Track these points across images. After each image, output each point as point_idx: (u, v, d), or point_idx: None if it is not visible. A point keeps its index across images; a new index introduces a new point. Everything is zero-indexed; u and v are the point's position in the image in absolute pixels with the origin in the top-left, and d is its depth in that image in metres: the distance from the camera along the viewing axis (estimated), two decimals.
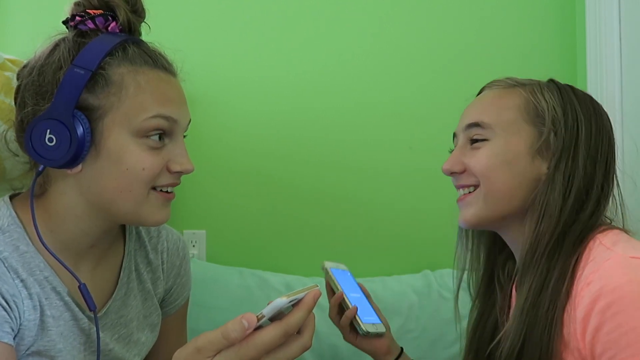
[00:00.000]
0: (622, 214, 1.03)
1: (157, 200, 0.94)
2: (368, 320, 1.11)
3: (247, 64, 1.66)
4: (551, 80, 1.06)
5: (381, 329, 1.12)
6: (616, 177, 1.03)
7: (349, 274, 1.20)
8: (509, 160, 0.99)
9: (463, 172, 1.04)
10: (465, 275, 1.16)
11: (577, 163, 0.97)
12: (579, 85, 1.03)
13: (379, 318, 1.15)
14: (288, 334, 0.76)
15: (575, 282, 0.91)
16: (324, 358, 1.50)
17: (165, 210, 0.96)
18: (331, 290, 1.16)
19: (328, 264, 1.16)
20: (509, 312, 1.07)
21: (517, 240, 1.03)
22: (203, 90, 1.60)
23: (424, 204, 1.65)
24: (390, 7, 1.66)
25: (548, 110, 1.00)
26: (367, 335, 1.10)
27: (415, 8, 1.66)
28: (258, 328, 0.75)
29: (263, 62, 1.66)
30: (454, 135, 1.09)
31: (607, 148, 1.01)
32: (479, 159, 1.01)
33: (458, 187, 1.06)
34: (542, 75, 1.08)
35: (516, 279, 1.02)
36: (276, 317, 0.76)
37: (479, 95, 1.10)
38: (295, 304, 0.78)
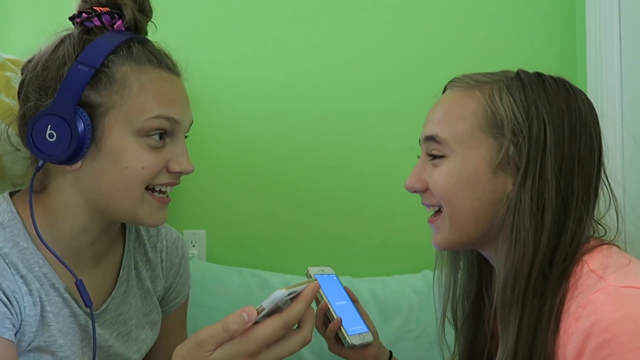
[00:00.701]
0: (617, 220, 0.91)
1: (152, 204, 0.94)
2: (354, 331, 1.06)
3: (248, 65, 1.67)
4: (517, 74, 0.91)
5: (368, 338, 1.06)
6: (607, 181, 0.91)
7: (334, 277, 1.13)
8: (468, 180, 0.88)
9: (425, 190, 0.94)
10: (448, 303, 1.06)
11: (546, 177, 0.84)
12: (579, 85, 0.93)
13: (366, 325, 1.08)
14: (288, 326, 0.76)
15: (563, 316, 0.80)
16: (324, 358, 1.49)
17: (161, 213, 0.96)
18: (317, 300, 1.07)
19: (312, 270, 1.09)
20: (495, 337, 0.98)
21: (496, 261, 0.93)
22: (203, 90, 1.60)
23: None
24: (390, 7, 1.66)
25: (507, 118, 0.86)
26: (353, 347, 1.03)
27: (415, 8, 1.66)
28: (258, 322, 0.75)
29: (263, 63, 1.67)
30: (419, 141, 0.98)
31: (586, 152, 0.86)
32: (437, 180, 0.91)
33: (423, 204, 0.97)
34: None
35: (498, 312, 0.89)
36: (275, 312, 0.76)
37: (441, 97, 0.98)
38: (294, 297, 0.78)
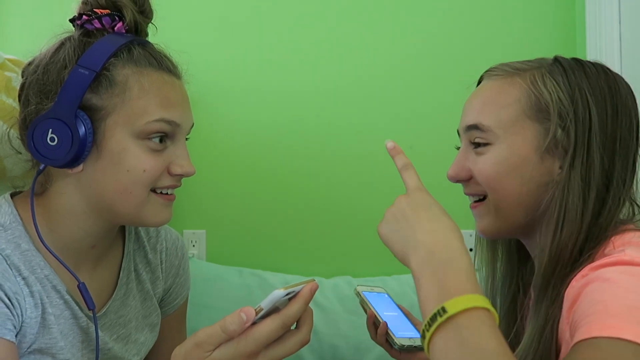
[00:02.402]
0: None
1: (158, 202, 0.94)
2: (403, 335, 1.06)
3: (248, 66, 1.67)
4: (556, 60, 0.92)
5: (419, 342, 1.03)
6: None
7: (386, 295, 1.15)
8: (515, 166, 0.89)
9: (469, 179, 0.94)
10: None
11: (592, 157, 0.85)
12: None
13: (417, 331, 1.08)
14: (286, 325, 0.76)
15: (574, 276, 0.81)
16: (324, 358, 1.50)
17: (167, 211, 0.96)
18: (364, 309, 1.10)
19: (360, 288, 1.12)
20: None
21: (538, 244, 0.92)
22: (204, 91, 1.60)
23: None
24: (390, 10, 1.66)
25: (552, 102, 0.88)
26: (402, 348, 1.02)
27: (415, 10, 1.66)
28: (256, 323, 0.75)
29: (263, 64, 1.67)
30: (458, 132, 0.99)
31: (626, 132, 0.88)
32: (483, 168, 0.91)
33: (466, 194, 0.97)
34: None
35: (534, 293, 0.90)
36: (273, 312, 0.76)
37: (478, 87, 0.99)
38: (292, 297, 0.78)
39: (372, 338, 1.07)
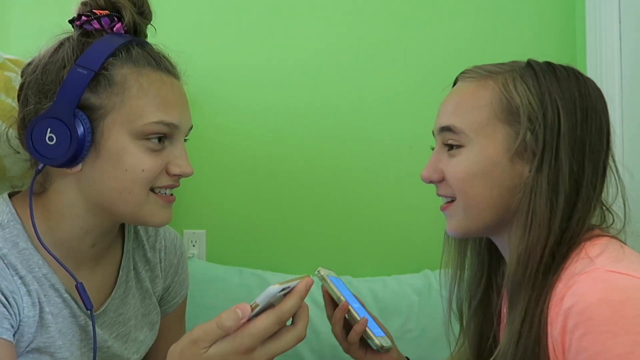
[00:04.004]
0: (625, 207, 0.94)
1: (157, 202, 0.94)
2: (378, 333, 1.02)
3: (247, 65, 1.67)
4: (528, 63, 0.93)
5: (389, 342, 1.03)
6: (614, 166, 0.93)
7: (341, 282, 1.07)
8: (486, 169, 0.90)
9: (441, 180, 0.96)
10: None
11: (560, 161, 0.86)
12: None
13: (382, 330, 1.07)
14: (281, 321, 0.76)
15: (552, 294, 0.83)
16: (324, 358, 1.49)
17: (167, 211, 0.96)
18: (331, 301, 1.05)
19: (325, 271, 1.05)
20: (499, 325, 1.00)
21: (508, 245, 0.94)
22: (203, 90, 1.61)
23: (424, 204, 1.65)
24: (390, 2, 1.66)
25: (522, 105, 0.89)
26: (381, 350, 1.00)
27: (415, 4, 1.66)
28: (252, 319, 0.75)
29: (262, 64, 1.67)
30: (433, 133, 1.00)
31: (596, 137, 0.89)
32: (455, 170, 0.92)
33: (439, 195, 0.98)
34: None
35: (506, 295, 0.91)
36: (268, 308, 0.77)
37: (452, 89, 1.00)
38: (287, 293, 0.78)
39: (335, 332, 1.04)
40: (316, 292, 1.52)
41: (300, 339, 0.79)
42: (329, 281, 1.03)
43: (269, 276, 1.58)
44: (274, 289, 0.74)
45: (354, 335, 1.02)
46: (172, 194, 0.97)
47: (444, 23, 1.65)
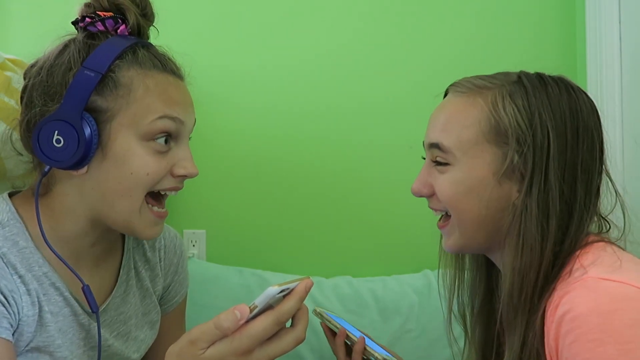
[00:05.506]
0: (624, 217, 0.93)
1: (149, 218, 0.94)
2: (381, 350, 1.04)
3: (247, 66, 1.67)
4: (519, 79, 0.91)
5: (392, 357, 1.05)
6: (610, 179, 0.92)
7: (341, 319, 1.13)
8: (473, 188, 0.89)
9: (432, 195, 0.95)
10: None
11: (550, 185, 0.84)
12: (579, 84, 0.94)
13: (392, 355, 1.08)
14: (280, 322, 0.76)
15: (547, 304, 0.82)
16: (324, 358, 1.50)
17: (157, 227, 0.97)
18: (331, 334, 1.09)
19: (320, 309, 1.10)
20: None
21: (502, 266, 0.94)
22: (203, 90, 1.60)
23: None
24: (390, 4, 1.66)
25: (511, 126, 0.87)
26: None
27: (416, 7, 1.66)
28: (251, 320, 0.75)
29: (262, 64, 1.67)
30: (423, 144, 0.99)
31: (588, 155, 0.87)
32: (443, 187, 0.92)
33: (430, 208, 0.98)
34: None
35: (504, 316, 0.90)
36: (267, 310, 0.76)
37: (442, 102, 0.99)
38: (286, 294, 0.78)
39: (336, 354, 1.07)
40: (316, 292, 1.53)
41: (300, 340, 0.78)
42: (325, 315, 1.08)
43: (269, 276, 1.58)
44: (273, 290, 0.74)
45: (355, 356, 1.04)
46: (165, 210, 0.97)
47: (444, 25, 1.65)
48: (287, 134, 1.66)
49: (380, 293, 1.54)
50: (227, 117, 1.66)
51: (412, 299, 1.54)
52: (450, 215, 0.94)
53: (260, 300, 0.75)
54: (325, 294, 1.53)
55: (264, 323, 0.75)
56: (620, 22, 1.45)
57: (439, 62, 1.64)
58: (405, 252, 1.65)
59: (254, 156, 1.66)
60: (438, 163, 0.93)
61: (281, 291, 0.76)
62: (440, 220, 0.98)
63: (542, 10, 1.63)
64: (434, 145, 0.93)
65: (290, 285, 0.77)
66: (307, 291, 0.78)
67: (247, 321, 0.75)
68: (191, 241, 1.66)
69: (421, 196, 0.97)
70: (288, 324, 0.80)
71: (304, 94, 1.66)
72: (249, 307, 0.74)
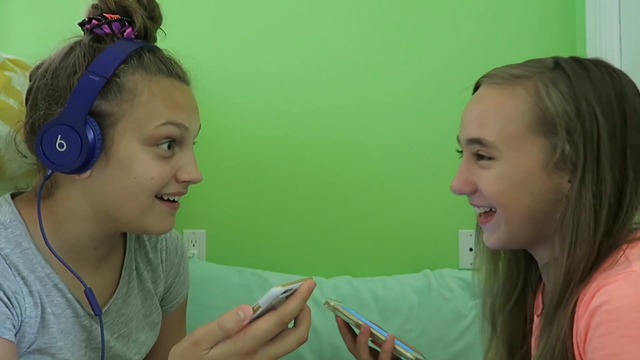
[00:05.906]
0: None
1: (162, 209, 0.94)
2: (411, 350, 0.97)
3: (248, 67, 1.67)
4: (557, 64, 0.87)
5: (422, 356, 1.00)
6: None
7: (362, 317, 1.03)
8: (521, 182, 0.85)
9: (474, 192, 0.91)
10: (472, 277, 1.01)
11: (603, 171, 0.81)
12: None
13: (411, 348, 1.02)
14: (283, 323, 0.76)
15: (582, 294, 0.79)
16: (324, 358, 1.50)
17: (170, 219, 0.96)
18: (348, 330, 1.02)
19: (334, 302, 1.00)
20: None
21: (547, 260, 0.90)
22: (204, 91, 1.60)
23: (424, 204, 1.65)
24: (390, 4, 1.66)
25: (558, 115, 0.83)
26: None
27: (415, 4, 1.66)
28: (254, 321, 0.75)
29: (264, 66, 1.67)
30: (458, 139, 0.95)
31: (637, 138, 0.83)
32: (488, 184, 0.87)
33: (472, 205, 0.93)
34: None
35: (545, 307, 0.88)
36: (270, 310, 0.76)
37: (476, 95, 0.93)
38: (290, 295, 0.78)
39: (358, 353, 1.00)
40: (316, 292, 1.53)
41: (302, 341, 0.78)
42: (342, 309, 0.99)
43: (269, 276, 1.58)
44: (276, 290, 0.74)
45: (384, 356, 0.98)
46: (177, 201, 0.96)
47: (444, 25, 1.65)
48: (287, 134, 1.66)
49: (380, 293, 1.54)
50: (227, 117, 1.66)
51: (412, 299, 1.54)
52: (493, 211, 0.90)
53: (263, 301, 0.74)
54: (325, 294, 1.54)
55: (267, 324, 0.75)
56: (620, 22, 1.45)
57: (439, 62, 1.64)
58: (405, 252, 1.65)
59: (254, 156, 1.66)
60: (480, 157, 0.89)
61: (284, 292, 0.76)
62: (480, 216, 0.93)
63: (542, 10, 1.63)
64: (475, 141, 0.89)
65: (293, 286, 0.77)
66: (310, 292, 0.78)
67: (250, 322, 0.75)
68: (191, 241, 1.66)
69: (462, 194, 0.92)
70: (290, 325, 0.80)
71: (304, 94, 1.66)
72: (252, 308, 0.74)
